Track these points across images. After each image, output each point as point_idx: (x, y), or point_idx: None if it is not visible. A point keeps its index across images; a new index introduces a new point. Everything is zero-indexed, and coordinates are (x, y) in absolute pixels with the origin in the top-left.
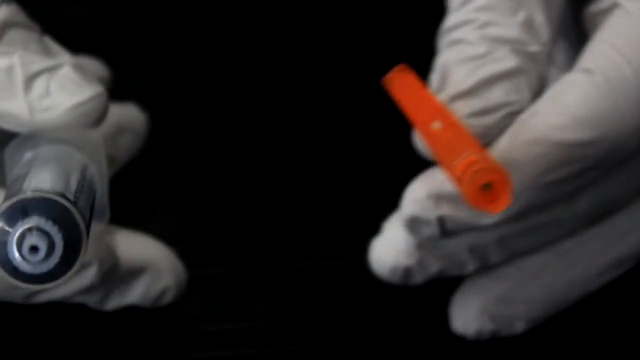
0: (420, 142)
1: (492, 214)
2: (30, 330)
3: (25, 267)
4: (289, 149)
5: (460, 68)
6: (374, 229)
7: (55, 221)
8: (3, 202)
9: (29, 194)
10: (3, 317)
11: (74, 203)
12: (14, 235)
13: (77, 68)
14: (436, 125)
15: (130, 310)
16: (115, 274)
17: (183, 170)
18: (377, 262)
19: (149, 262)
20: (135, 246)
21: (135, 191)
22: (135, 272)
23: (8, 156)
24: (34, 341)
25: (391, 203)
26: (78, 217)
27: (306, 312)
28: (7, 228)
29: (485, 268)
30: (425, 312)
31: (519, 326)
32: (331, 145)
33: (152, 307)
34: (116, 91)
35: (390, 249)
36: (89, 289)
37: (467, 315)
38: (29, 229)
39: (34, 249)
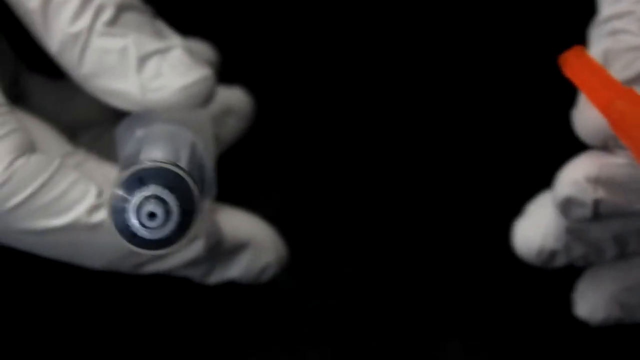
0: (582, 122)
1: None
2: (134, 302)
3: (143, 232)
4: (402, 139)
5: (624, 56)
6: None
7: (171, 189)
8: (122, 172)
9: (146, 164)
10: (110, 290)
11: (188, 173)
12: (133, 202)
13: (188, 51)
14: (621, 103)
15: (231, 286)
16: (220, 249)
17: (289, 154)
18: (522, 243)
19: (251, 238)
20: (239, 223)
21: (242, 171)
22: (238, 248)
23: (120, 134)
24: (138, 312)
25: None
26: (192, 185)
27: (403, 297)
28: (126, 196)
29: (618, 257)
30: (539, 298)
31: None
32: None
33: (253, 283)
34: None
35: (537, 231)
36: (195, 262)
37: (595, 301)
38: (147, 197)
39: (152, 215)
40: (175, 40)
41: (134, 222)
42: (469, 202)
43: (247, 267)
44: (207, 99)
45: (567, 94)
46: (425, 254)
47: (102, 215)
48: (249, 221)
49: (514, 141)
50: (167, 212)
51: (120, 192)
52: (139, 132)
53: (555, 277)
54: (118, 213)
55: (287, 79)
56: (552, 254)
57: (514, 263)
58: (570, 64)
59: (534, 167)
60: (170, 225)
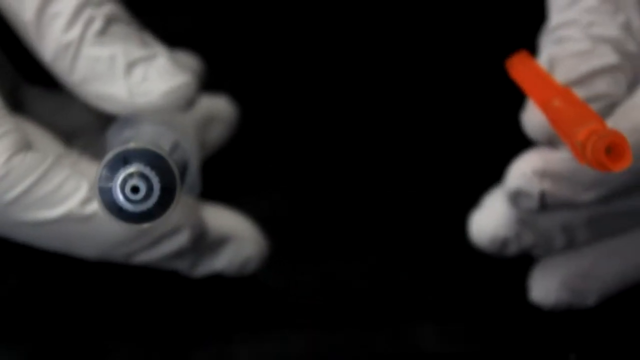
0: (529, 121)
1: (588, 193)
2: (123, 296)
3: (127, 206)
4: (389, 137)
5: (568, 61)
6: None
7: (153, 167)
8: (108, 154)
9: (129, 145)
10: (100, 282)
11: (169, 155)
12: (118, 179)
13: (172, 59)
14: (558, 102)
15: (217, 282)
16: (204, 241)
17: (273, 158)
18: (477, 232)
19: (234, 232)
20: (222, 218)
21: (227, 174)
22: (221, 241)
23: (110, 136)
24: (125, 306)
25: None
26: (172, 165)
27: (384, 289)
28: (111, 175)
29: (568, 247)
30: (499, 283)
31: (591, 300)
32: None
33: (237, 275)
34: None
35: (490, 220)
36: (181, 252)
37: (547, 287)
38: (130, 174)
39: (135, 189)
40: (160, 49)
41: (119, 196)
42: (437, 196)
43: (231, 260)
44: (189, 102)
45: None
46: (396, 244)
47: (93, 207)
48: (232, 217)
49: (473, 142)
50: (149, 188)
51: (106, 172)
52: (127, 133)
53: (516, 265)
54: (105, 191)
55: (278, 80)
56: (504, 242)
57: (478, 253)
58: (515, 67)
59: (491, 162)
60: (153, 199)
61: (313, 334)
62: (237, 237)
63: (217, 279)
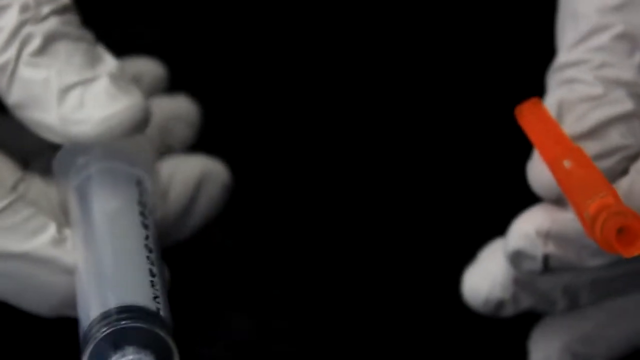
0: (536, 176)
1: (595, 259)
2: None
3: None
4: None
5: (577, 108)
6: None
7: (148, 347)
8: (90, 335)
9: (121, 324)
10: None
11: (165, 323)
12: None
13: (116, 78)
14: (568, 163)
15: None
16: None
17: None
18: (470, 291)
19: (199, 181)
20: (181, 174)
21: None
22: (193, 198)
23: (59, 162)
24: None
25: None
26: (170, 341)
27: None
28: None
29: (570, 309)
30: (501, 341)
31: None
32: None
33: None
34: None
35: (485, 279)
36: None
37: (548, 351)
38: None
39: None
40: (109, 66)
41: None
42: (431, 248)
43: (208, 205)
44: (135, 126)
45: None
46: (387, 299)
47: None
48: (188, 165)
49: (472, 188)
50: None
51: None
52: (80, 160)
53: (516, 324)
54: None
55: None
56: (499, 304)
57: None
58: (525, 116)
59: (491, 212)
60: None
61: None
62: (203, 183)
63: None
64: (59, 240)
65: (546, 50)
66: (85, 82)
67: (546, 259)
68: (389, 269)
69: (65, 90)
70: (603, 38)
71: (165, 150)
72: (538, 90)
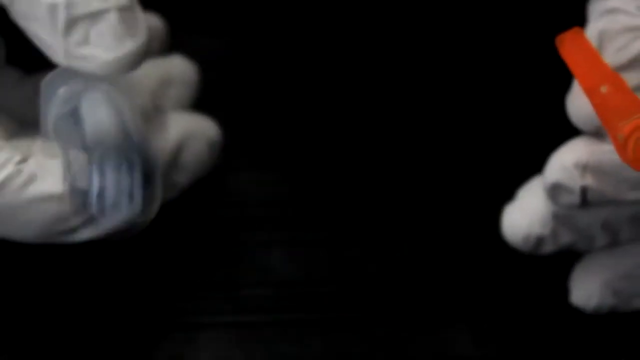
0: (575, 108)
1: (634, 192)
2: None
3: None
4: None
5: (619, 38)
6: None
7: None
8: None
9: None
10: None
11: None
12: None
13: (125, 11)
14: (605, 88)
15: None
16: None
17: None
18: (510, 228)
19: (186, 136)
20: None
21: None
22: (180, 150)
23: (43, 88)
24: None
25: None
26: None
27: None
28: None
29: (610, 245)
30: (538, 284)
31: (637, 302)
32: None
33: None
34: None
35: (525, 216)
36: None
37: (589, 289)
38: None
39: None
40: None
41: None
42: (470, 188)
43: (194, 161)
44: (136, 66)
45: (565, 77)
46: (426, 244)
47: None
48: (173, 122)
49: (510, 125)
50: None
51: None
52: (61, 90)
53: (556, 263)
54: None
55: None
56: (539, 240)
57: (513, 250)
58: (565, 45)
59: (530, 150)
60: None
61: (338, 334)
62: (190, 137)
63: (224, 266)
64: (18, 172)
65: (546, 50)
66: (93, 16)
67: (584, 191)
68: (429, 209)
69: (73, 22)
70: None
71: (159, 110)
72: (539, 89)
